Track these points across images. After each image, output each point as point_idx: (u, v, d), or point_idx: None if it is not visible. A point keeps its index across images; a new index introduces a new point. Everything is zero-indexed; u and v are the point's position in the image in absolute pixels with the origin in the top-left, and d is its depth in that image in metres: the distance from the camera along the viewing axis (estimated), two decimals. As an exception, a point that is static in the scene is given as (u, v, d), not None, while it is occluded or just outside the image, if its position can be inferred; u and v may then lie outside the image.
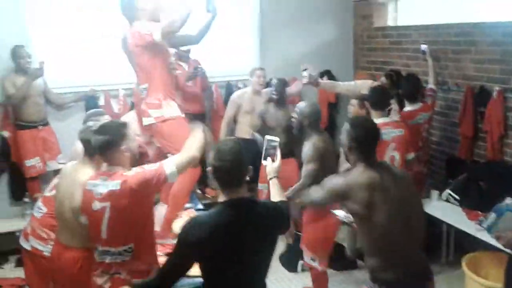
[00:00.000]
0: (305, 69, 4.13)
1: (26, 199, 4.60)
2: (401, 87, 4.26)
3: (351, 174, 2.38)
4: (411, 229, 2.32)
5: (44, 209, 2.98)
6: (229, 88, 5.28)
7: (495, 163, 3.97)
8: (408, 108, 4.12)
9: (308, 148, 3.38)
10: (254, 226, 2.02)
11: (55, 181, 3.01)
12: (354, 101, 3.93)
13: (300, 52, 5.41)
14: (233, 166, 2.01)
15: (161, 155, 3.29)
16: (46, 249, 2.90)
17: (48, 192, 3.03)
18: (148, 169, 2.38)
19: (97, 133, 2.42)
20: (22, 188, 4.63)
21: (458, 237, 3.85)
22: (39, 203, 3.07)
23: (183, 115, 3.44)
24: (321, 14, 5.69)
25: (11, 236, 4.13)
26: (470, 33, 4.30)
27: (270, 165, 2.40)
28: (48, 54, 4.67)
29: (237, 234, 1.98)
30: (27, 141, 4.48)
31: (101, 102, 4.80)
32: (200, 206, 4.04)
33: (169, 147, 3.28)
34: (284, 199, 2.29)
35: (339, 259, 4.20)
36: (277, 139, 2.43)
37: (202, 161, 4.74)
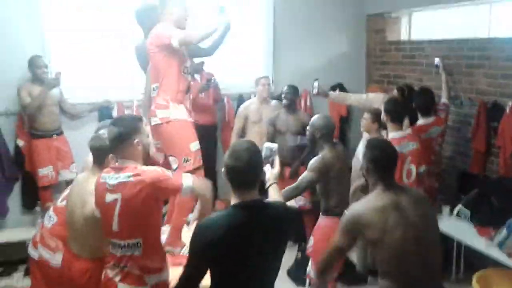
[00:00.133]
0: (316, 80, 4.14)
1: (38, 208, 4.64)
2: (414, 100, 4.24)
3: (368, 199, 2.37)
4: (427, 255, 2.28)
5: (55, 219, 2.98)
6: (241, 101, 5.30)
7: (507, 179, 3.91)
8: (421, 121, 4.11)
9: (315, 158, 3.39)
10: (266, 228, 2.01)
11: (67, 191, 3.04)
12: (366, 115, 3.91)
13: (313, 65, 5.44)
14: (247, 167, 2.01)
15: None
16: (53, 259, 2.90)
17: (60, 201, 3.04)
18: (165, 172, 2.39)
19: (112, 125, 2.43)
20: (34, 197, 4.66)
21: (469, 254, 3.79)
22: (51, 212, 3.07)
23: (190, 120, 3.47)
24: (334, 27, 5.72)
25: (22, 246, 4.13)
26: (483, 48, 4.28)
27: (269, 171, 2.40)
28: (64, 64, 4.74)
29: (249, 237, 1.98)
30: (41, 150, 4.52)
31: (115, 112, 4.85)
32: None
33: (170, 149, 3.30)
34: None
35: (349, 274, 4.15)
36: (275, 145, 2.45)
37: (210, 172, 4.80)
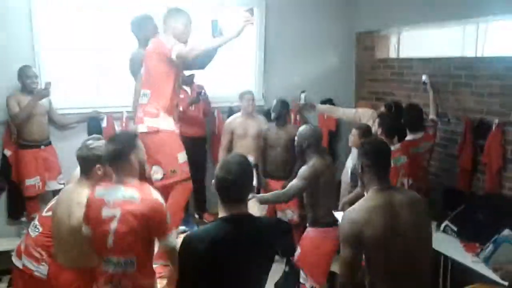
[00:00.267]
0: (302, 91, 4.18)
1: (23, 219, 4.59)
2: (403, 116, 4.30)
3: (361, 201, 2.36)
4: (415, 255, 2.28)
5: (40, 229, 2.96)
6: (231, 114, 5.32)
7: (494, 196, 3.96)
8: (410, 137, 4.15)
9: (305, 167, 3.41)
10: (251, 242, 2.02)
11: (53, 201, 3.02)
12: (354, 131, 3.97)
13: (303, 80, 5.48)
14: (237, 180, 2.02)
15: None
16: (37, 269, 2.87)
17: (45, 212, 3.02)
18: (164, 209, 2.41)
19: (108, 142, 2.46)
20: (20, 207, 4.61)
21: (455, 269, 3.81)
22: (36, 222, 3.05)
23: (177, 131, 3.47)
24: (325, 44, 5.79)
25: (6, 256, 4.08)
26: (471, 66, 4.35)
27: None
28: (54, 75, 4.73)
29: (234, 250, 1.98)
30: (29, 160, 4.48)
31: (104, 123, 4.83)
32: (197, 231, 4.02)
33: (156, 159, 3.30)
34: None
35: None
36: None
37: (199, 184, 4.79)
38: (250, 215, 2.12)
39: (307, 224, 3.58)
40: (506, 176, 4.00)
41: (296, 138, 3.59)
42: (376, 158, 2.41)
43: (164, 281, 2.96)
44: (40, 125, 4.53)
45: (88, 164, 2.63)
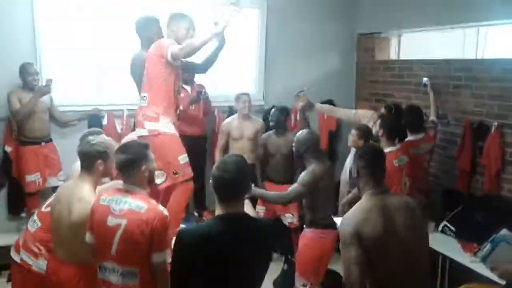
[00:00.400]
0: (301, 91, 4.19)
1: (23, 214, 4.60)
2: (403, 117, 4.31)
3: (357, 205, 2.39)
4: (414, 264, 2.30)
5: (39, 224, 2.97)
6: (231, 113, 5.33)
7: (492, 197, 3.98)
8: (410, 137, 4.17)
9: (305, 172, 3.43)
10: (246, 242, 2.02)
11: (52, 197, 3.03)
12: (354, 131, 3.98)
13: (303, 81, 5.44)
14: (234, 178, 2.03)
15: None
16: (35, 264, 2.89)
17: (45, 208, 3.03)
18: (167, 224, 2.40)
19: (119, 151, 2.48)
20: (20, 203, 4.63)
21: (453, 268, 3.84)
22: (35, 217, 3.06)
23: (177, 134, 3.49)
24: (326, 45, 5.81)
25: (6, 251, 4.09)
26: (470, 69, 4.37)
27: None
28: (55, 72, 4.73)
29: (227, 248, 1.99)
30: (29, 157, 4.49)
31: (105, 121, 4.84)
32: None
33: (157, 162, 3.31)
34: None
35: (334, 286, 4.14)
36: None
37: (199, 183, 4.79)
38: (246, 215, 2.14)
39: (305, 225, 3.60)
40: (505, 178, 4.02)
41: (294, 143, 3.61)
42: (370, 160, 2.44)
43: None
44: (41, 122, 4.54)
45: (90, 159, 2.64)
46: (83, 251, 2.56)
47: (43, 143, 4.57)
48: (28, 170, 4.49)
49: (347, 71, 5.97)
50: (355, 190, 3.75)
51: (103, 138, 2.80)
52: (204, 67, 3.87)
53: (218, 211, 2.09)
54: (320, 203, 3.43)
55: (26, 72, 4.41)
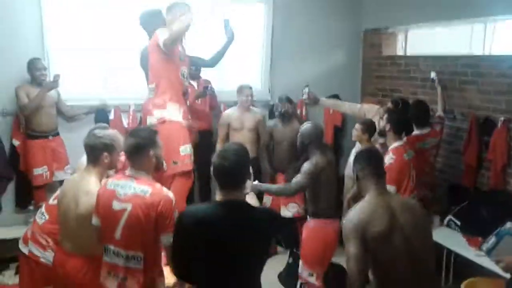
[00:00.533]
0: (306, 86, 4.21)
1: (31, 207, 4.65)
2: (409, 112, 4.30)
3: (360, 204, 2.39)
4: (419, 262, 2.30)
5: (47, 216, 3.01)
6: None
7: (498, 192, 3.98)
8: (416, 132, 4.16)
9: (307, 163, 3.46)
10: (245, 228, 2.05)
11: (59, 191, 3.06)
12: (358, 126, 3.99)
13: (310, 76, 5.47)
14: (233, 166, 2.06)
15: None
16: (43, 256, 2.93)
17: (52, 200, 3.06)
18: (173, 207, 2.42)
19: (129, 136, 2.51)
20: (28, 196, 4.67)
21: (458, 263, 3.84)
22: (43, 209, 3.10)
23: (184, 122, 3.51)
24: (332, 41, 5.81)
25: (14, 244, 4.11)
26: (477, 64, 4.36)
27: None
28: (63, 67, 4.77)
29: (225, 232, 2.02)
30: (37, 151, 4.53)
31: (111, 115, 4.87)
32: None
33: None
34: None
35: (338, 279, 4.14)
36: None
37: (205, 177, 4.82)
38: (246, 202, 2.17)
39: (308, 216, 3.63)
40: (511, 172, 4.01)
41: (298, 136, 3.66)
42: (367, 161, 2.47)
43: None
44: (48, 116, 4.57)
45: (96, 152, 2.66)
46: (90, 244, 2.59)
47: (50, 137, 4.60)
48: (35, 163, 4.53)
49: (353, 67, 5.96)
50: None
51: (110, 131, 2.82)
52: (213, 62, 3.90)
53: (219, 198, 2.13)
54: (322, 195, 3.47)
55: (34, 67, 4.44)
